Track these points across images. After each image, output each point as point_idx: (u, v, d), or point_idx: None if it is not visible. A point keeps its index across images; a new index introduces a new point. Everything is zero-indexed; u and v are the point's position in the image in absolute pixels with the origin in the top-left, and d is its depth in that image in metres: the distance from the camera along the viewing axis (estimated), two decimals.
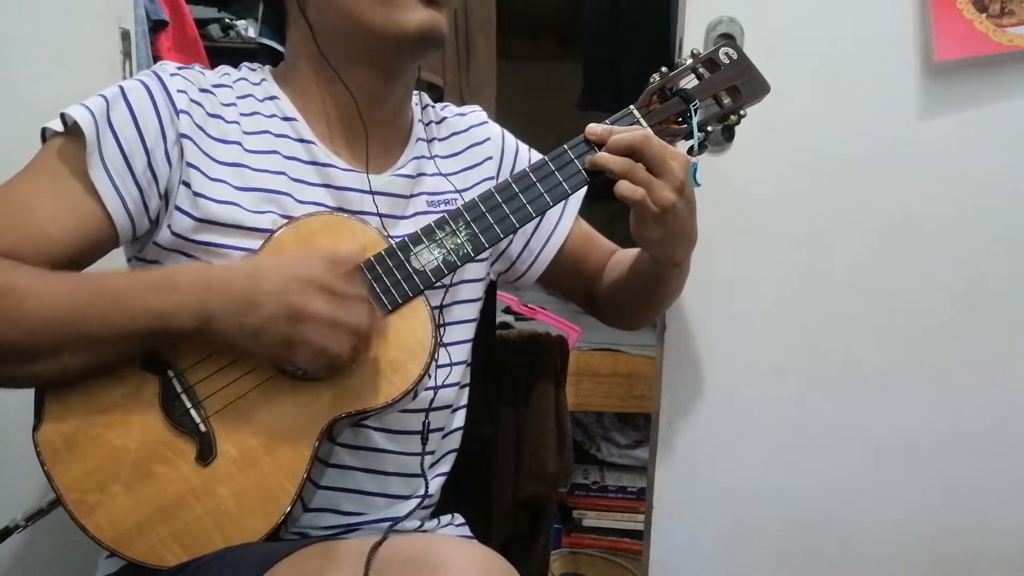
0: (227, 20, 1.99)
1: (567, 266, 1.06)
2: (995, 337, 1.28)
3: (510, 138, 1.06)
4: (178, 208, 0.82)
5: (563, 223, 1.05)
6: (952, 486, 1.32)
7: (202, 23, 1.91)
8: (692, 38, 1.22)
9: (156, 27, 1.63)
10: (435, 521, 0.97)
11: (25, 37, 1.14)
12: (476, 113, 1.05)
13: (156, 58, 1.63)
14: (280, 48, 1.97)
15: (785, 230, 1.27)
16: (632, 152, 0.83)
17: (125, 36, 1.27)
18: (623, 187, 0.83)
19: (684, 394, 1.32)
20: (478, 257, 0.86)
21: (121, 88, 0.83)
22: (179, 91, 0.84)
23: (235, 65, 0.96)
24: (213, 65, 0.94)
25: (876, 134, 1.24)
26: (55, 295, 0.74)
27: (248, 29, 2.01)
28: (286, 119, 0.89)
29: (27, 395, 0.80)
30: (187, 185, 0.82)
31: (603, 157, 0.83)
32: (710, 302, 1.30)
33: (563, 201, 0.87)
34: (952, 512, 1.33)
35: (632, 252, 1.02)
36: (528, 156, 1.06)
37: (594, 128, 0.86)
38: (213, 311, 0.74)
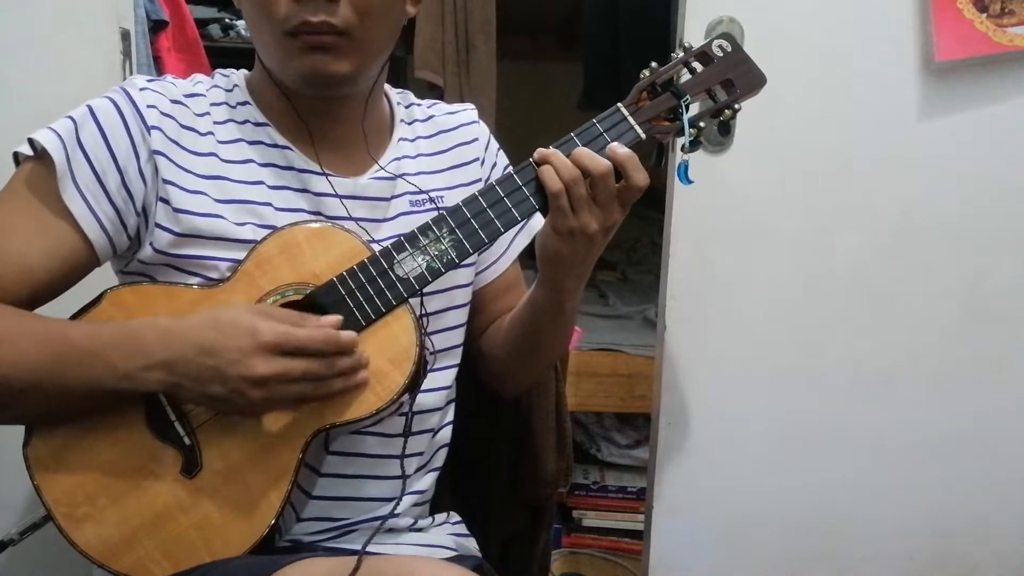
0: (227, 20, 1.99)
1: (481, 299, 1.03)
2: (995, 337, 1.28)
3: (494, 145, 1.04)
4: (158, 225, 0.82)
5: (502, 260, 1.03)
6: (952, 486, 1.32)
7: (202, 23, 1.91)
8: (692, 38, 1.22)
9: (156, 27, 1.62)
10: (430, 519, 0.97)
11: (25, 37, 1.14)
12: (467, 112, 1.03)
13: (156, 58, 1.62)
14: None
15: (785, 230, 1.27)
16: (586, 173, 0.81)
17: (125, 36, 1.27)
18: (548, 174, 0.81)
19: (684, 394, 1.32)
20: (463, 263, 0.85)
21: (90, 107, 0.82)
22: (149, 106, 0.83)
23: (236, 65, 0.95)
24: (213, 65, 0.94)
25: (876, 134, 1.24)
26: (24, 350, 0.75)
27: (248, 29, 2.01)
28: (259, 124, 0.88)
29: None
30: (166, 202, 0.82)
31: (554, 155, 0.81)
32: (710, 302, 1.30)
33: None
34: (951, 511, 1.33)
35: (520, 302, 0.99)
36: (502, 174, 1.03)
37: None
38: (179, 379, 0.75)
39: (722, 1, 1.21)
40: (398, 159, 0.93)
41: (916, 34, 1.20)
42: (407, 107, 0.99)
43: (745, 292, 1.29)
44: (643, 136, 0.85)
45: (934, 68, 1.21)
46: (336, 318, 0.79)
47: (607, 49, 2.07)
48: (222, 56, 1.80)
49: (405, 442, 0.89)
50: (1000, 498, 1.32)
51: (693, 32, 1.22)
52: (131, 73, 1.30)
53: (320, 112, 0.88)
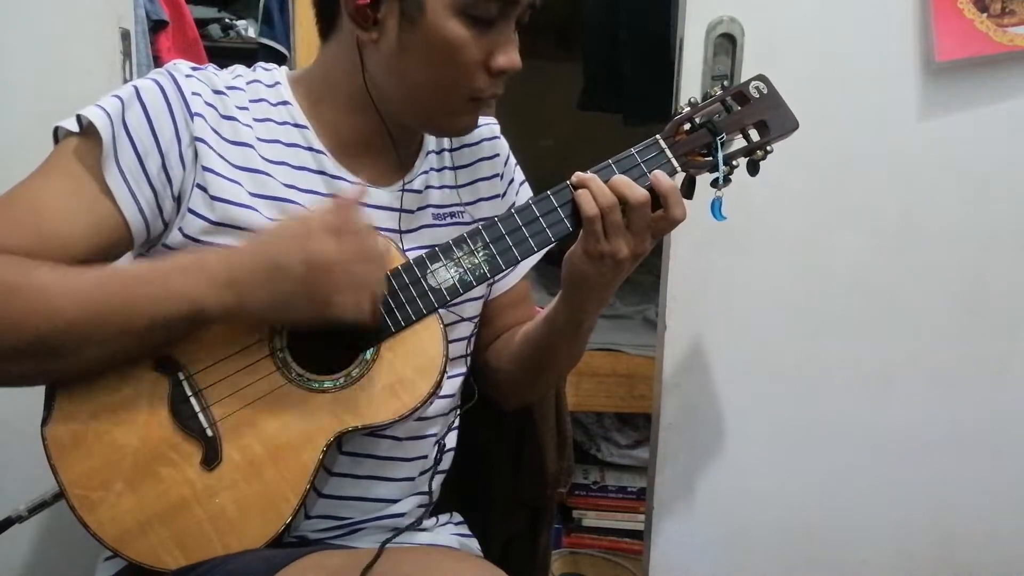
0: (227, 20, 1.99)
1: (490, 312, 1.03)
2: (995, 337, 1.28)
3: (512, 160, 1.05)
4: (191, 211, 0.81)
5: (514, 274, 1.03)
6: (952, 486, 1.32)
7: (202, 23, 1.91)
8: (692, 38, 1.22)
9: (156, 27, 1.63)
10: (434, 519, 0.97)
11: (25, 37, 1.14)
12: (490, 127, 1.03)
13: (156, 58, 1.63)
14: (280, 48, 1.97)
15: (785, 230, 1.27)
16: (623, 201, 0.82)
17: (125, 36, 1.27)
18: (585, 198, 0.82)
19: (684, 394, 1.32)
20: (494, 278, 0.85)
21: (136, 89, 0.82)
22: (194, 93, 0.83)
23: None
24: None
25: (876, 134, 1.24)
26: (84, 289, 0.74)
27: (248, 29, 2.01)
28: (297, 126, 0.88)
29: (32, 389, 0.80)
30: (203, 189, 0.81)
31: (592, 180, 0.82)
32: (710, 302, 1.30)
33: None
34: (952, 512, 1.33)
35: (537, 317, 1.00)
36: (518, 190, 1.04)
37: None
38: (242, 288, 0.74)
39: (722, 1, 1.21)
40: (426, 172, 0.94)
41: (916, 34, 1.20)
42: None
43: (745, 292, 1.29)
44: (679, 170, 0.86)
45: (934, 68, 1.21)
46: (358, 188, 0.83)
47: (607, 49, 2.07)
48: (222, 56, 1.80)
49: (437, 456, 0.90)
50: (1002, 499, 1.32)
51: (693, 32, 1.22)
52: (131, 73, 1.30)
53: (395, 134, 0.89)
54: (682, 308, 1.30)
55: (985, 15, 1.17)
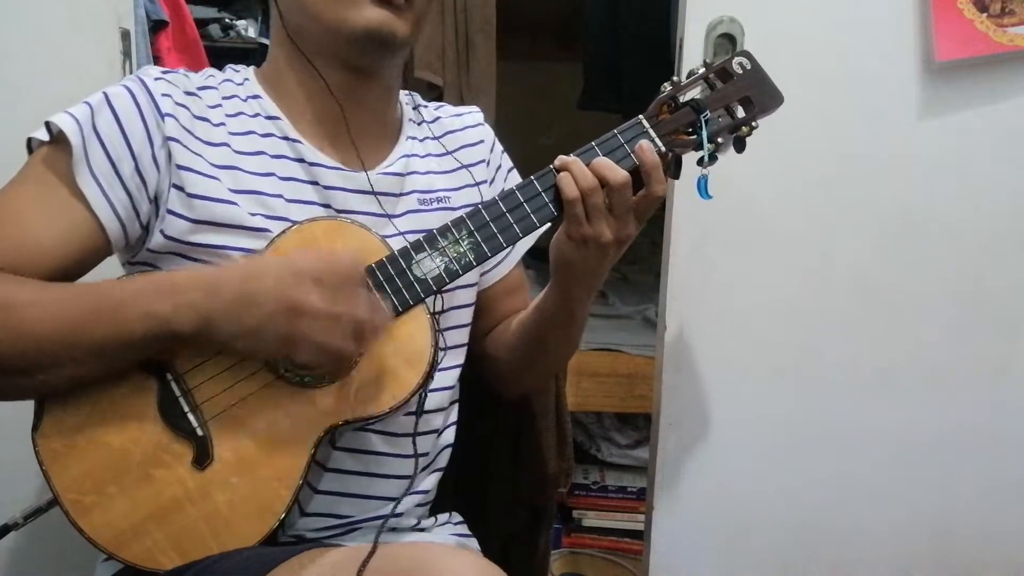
0: (227, 20, 1.99)
1: (485, 301, 1.04)
2: (995, 337, 1.28)
3: (499, 147, 1.05)
4: (171, 212, 0.82)
5: (507, 262, 1.04)
6: (952, 486, 1.32)
7: (202, 23, 1.91)
8: (692, 38, 1.22)
9: (156, 27, 1.62)
10: (433, 519, 0.97)
11: (25, 37, 1.14)
12: (473, 114, 1.04)
13: (156, 58, 1.62)
14: None
15: (785, 229, 1.27)
16: (604, 183, 0.82)
17: (125, 36, 1.27)
18: (565, 181, 0.82)
19: (684, 394, 1.32)
20: (480, 266, 0.85)
21: (105, 94, 0.82)
22: (163, 95, 0.83)
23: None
24: (214, 65, 0.95)
25: (876, 134, 1.24)
26: (53, 307, 0.74)
27: (248, 29, 2.01)
28: (270, 118, 0.89)
29: None
30: (179, 188, 0.82)
31: (574, 163, 0.82)
32: (710, 302, 1.30)
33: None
34: (952, 512, 1.33)
35: (530, 306, 1.00)
36: (507, 177, 1.04)
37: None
38: (212, 313, 0.73)
39: (722, 1, 1.21)
40: (407, 156, 0.94)
41: (916, 34, 1.20)
42: (415, 108, 1.00)
43: (745, 291, 1.29)
44: (663, 149, 0.85)
45: (934, 68, 1.21)
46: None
47: (607, 49, 2.07)
48: (222, 56, 1.80)
49: (414, 441, 0.89)
50: (1002, 499, 1.32)
51: (693, 32, 1.22)
52: (131, 73, 1.30)
53: (349, 95, 0.89)
54: (682, 308, 1.30)
55: (985, 15, 1.17)
